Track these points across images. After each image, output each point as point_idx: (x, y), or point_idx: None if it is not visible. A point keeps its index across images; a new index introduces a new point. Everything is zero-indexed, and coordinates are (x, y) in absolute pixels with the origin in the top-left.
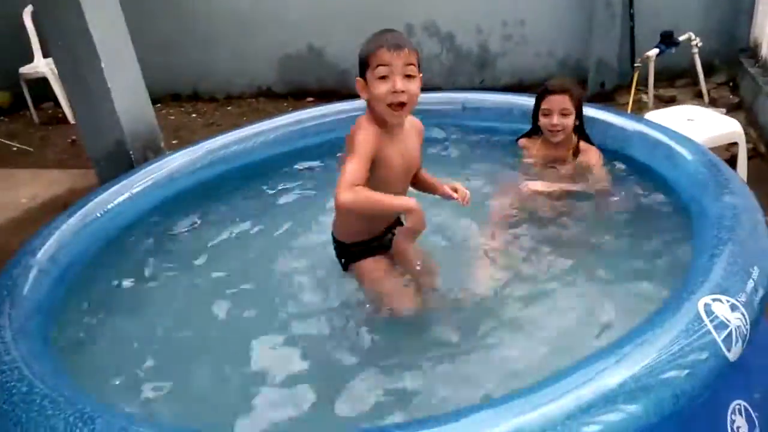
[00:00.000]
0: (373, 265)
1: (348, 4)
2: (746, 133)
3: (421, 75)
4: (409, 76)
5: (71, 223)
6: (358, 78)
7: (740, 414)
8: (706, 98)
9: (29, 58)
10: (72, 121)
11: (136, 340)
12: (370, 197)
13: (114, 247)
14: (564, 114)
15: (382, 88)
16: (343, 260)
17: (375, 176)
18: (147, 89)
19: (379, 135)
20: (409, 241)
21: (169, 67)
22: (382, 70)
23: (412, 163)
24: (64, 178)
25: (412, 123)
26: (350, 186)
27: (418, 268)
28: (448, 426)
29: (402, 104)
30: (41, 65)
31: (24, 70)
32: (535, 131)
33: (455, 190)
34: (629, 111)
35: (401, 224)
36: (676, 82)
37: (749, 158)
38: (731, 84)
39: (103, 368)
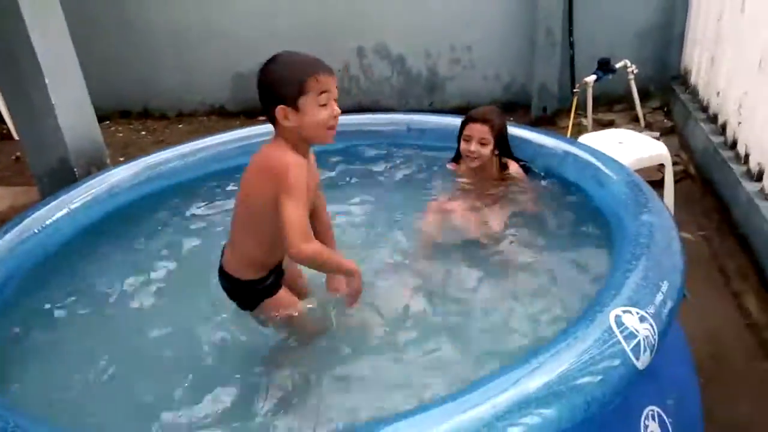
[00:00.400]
0: (288, 296)
1: (300, 23)
2: (678, 156)
3: None
4: (335, 99)
5: (7, 239)
6: (281, 106)
7: (653, 419)
8: (642, 122)
9: None
10: (16, 137)
11: (68, 356)
12: (329, 255)
13: (51, 264)
14: (482, 143)
15: (324, 114)
16: (251, 299)
17: None
18: (94, 106)
19: (304, 165)
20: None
21: (119, 84)
22: (324, 97)
23: (317, 190)
24: (5, 194)
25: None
26: (306, 236)
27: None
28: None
29: (334, 128)
30: None
31: None
32: (459, 155)
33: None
34: (569, 134)
35: None
36: (614, 107)
37: (680, 180)
38: (665, 109)
39: (31, 381)
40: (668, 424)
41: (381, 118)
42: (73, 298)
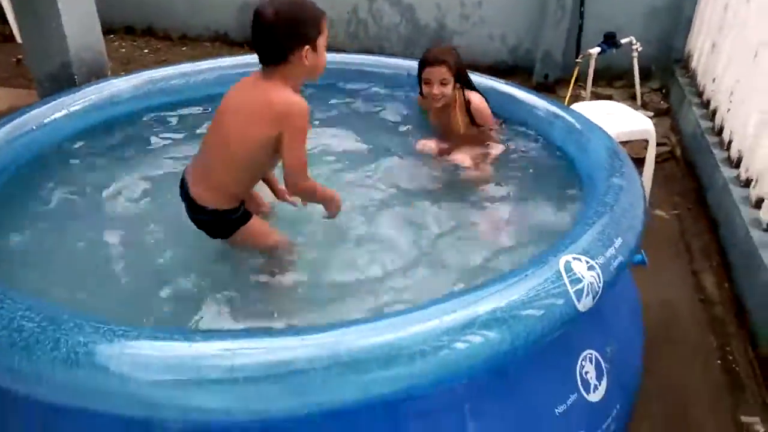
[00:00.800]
0: (259, 222)
1: None
2: (666, 138)
3: None
4: None
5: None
6: (308, 47)
7: (590, 362)
8: (639, 101)
9: None
10: (19, 41)
11: (57, 245)
12: (322, 187)
13: (44, 161)
14: (443, 83)
15: (325, 58)
16: (226, 228)
17: None
18: (100, 18)
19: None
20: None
21: (127, 1)
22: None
23: None
24: (5, 95)
25: None
26: (306, 174)
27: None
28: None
29: None
30: None
31: None
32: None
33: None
34: (566, 103)
35: None
36: (614, 83)
37: (665, 160)
38: (663, 91)
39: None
40: (604, 369)
41: (385, 61)
42: (63, 193)
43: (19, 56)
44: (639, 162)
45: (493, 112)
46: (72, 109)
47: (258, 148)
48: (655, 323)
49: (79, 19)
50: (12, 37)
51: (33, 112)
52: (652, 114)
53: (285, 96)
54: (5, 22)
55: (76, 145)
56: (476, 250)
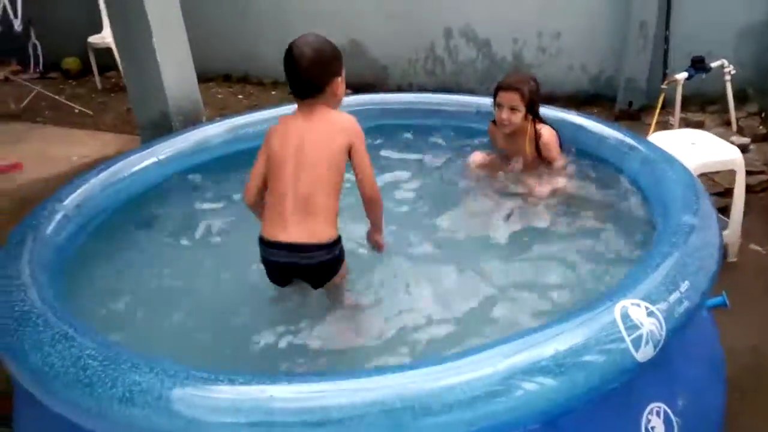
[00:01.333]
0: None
1: (392, 3)
2: (766, 165)
3: None
4: None
5: (100, 177)
6: (341, 78)
7: (658, 416)
8: (734, 126)
9: (98, 29)
10: None
11: (138, 287)
12: None
13: (134, 205)
14: (513, 110)
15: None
16: (335, 265)
17: None
18: (202, 68)
19: None
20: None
21: (226, 51)
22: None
23: None
24: (115, 141)
25: None
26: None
27: None
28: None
29: None
30: (108, 36)
31: (92, 39)
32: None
33: None
34: (651, 130)
35: None
36: (706, 108)
37: (764, 189)
38: (762, 115)
39: (104, 306)
40: (674, 424)
41: (451, 99)
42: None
43: (129, 106)
44: (731, 192)
45: (564, 142)
46: (161, 156)
47: (341, 161)
48: (742, 372)
49: (177, 69)
50: (125, 88)
51: (127, 160)
52: (749, 140)
53: (339, 114)
54: (120, 74)
55: (167, 188)
56: (533, 287)
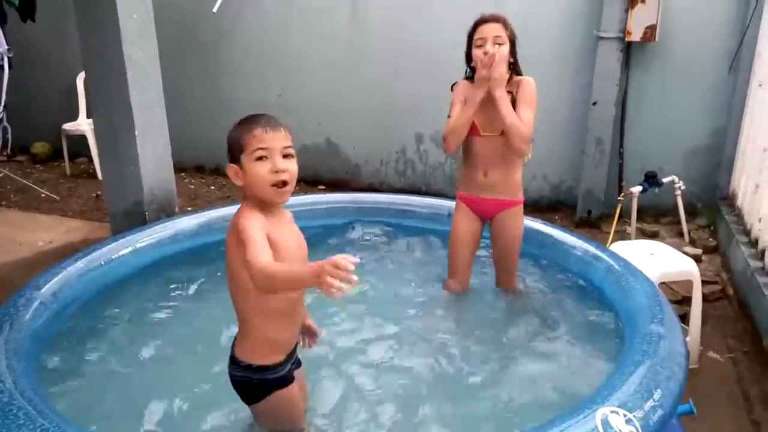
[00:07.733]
0: (294, 394)
1: (366, 104)
2: (718, 276)
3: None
4: (287, 156)
5: (77, 266)
6: (231, 164)
7: None
8: (686, 238)
9: (73, 116)
10: (100, 178)
11: (114, 374)
12: (285, 267)
13: (110, 293)
14: (498, 43)
15: (262, 170)
16: (258, 390)
17: None
18: (176, 158)
19: (265, 221)
20: None
21: (199, 142)
22: (260, 152)
23: (305, 248)
24: (81, 227)
25: (288, 214)
26: (262, 255)
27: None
28: None
29: (285, 182)
30: (83, 124)
31: (67, 126)
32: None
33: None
34: (610, 240)
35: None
36: (661, 219)
37: (718, 299)
38: (711, 228)
39: (81, 394)
40: None
41: (425, 202)
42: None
43: (99, 192)
44: (688, 301)
45: (530, 252)
46: (138, 245)
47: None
48: None
49: (155, 161)
50: (95, 175)
51: (104, 249)
52: (701, 252)
53: (236, 215)
54: (91, 161)
55: (142, 279)
56: (510, 393)
